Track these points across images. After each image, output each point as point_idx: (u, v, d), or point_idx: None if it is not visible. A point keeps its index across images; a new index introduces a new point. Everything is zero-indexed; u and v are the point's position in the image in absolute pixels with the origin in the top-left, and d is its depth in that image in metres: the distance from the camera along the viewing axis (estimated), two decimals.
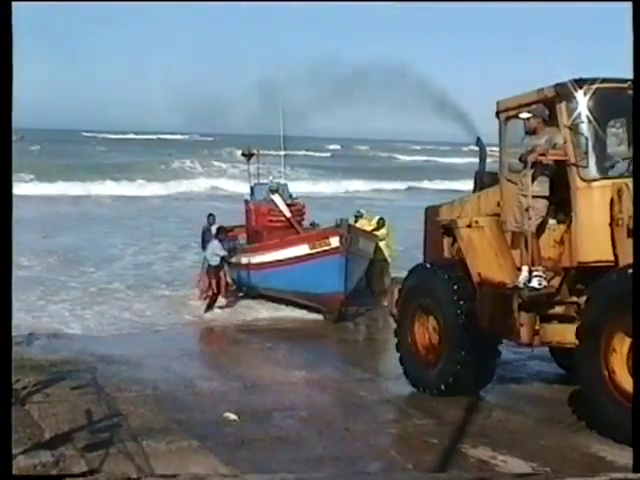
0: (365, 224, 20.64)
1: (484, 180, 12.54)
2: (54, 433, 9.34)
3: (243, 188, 27.33)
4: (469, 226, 11.31)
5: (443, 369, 11.32)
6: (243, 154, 22.77)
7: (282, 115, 23.30)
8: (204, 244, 20.31)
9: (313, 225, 21.81)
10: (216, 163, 70.24)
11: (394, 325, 12.78)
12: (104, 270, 23.77)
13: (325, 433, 9.81)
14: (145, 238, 30.55)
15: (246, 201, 22.08)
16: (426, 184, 66.48)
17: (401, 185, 65.27)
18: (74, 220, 36.12)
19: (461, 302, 11.12)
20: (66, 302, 18.95)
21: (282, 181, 22.53)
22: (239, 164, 51.52)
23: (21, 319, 15.36)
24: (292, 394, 11.97)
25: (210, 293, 19.04)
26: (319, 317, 18.45)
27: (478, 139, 12.92)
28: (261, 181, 22.67)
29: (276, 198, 20.77)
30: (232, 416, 10.34)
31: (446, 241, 12.53)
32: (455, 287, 11.25)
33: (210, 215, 21.22)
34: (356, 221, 20.45)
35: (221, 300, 19.29)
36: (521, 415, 10.74)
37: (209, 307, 18.78)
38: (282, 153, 24.75)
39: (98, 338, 15.73)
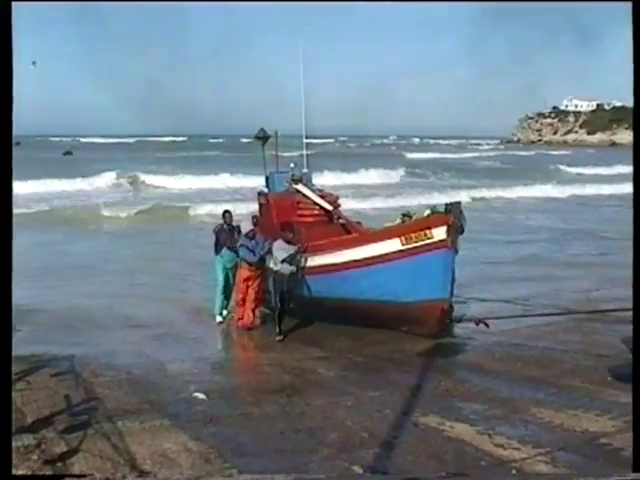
0: None
1: None
2: (35, 417, 9.76)
3: None
4: None
5: None
6: (257, 137, 18.29)
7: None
8: (218, 248, 16.69)
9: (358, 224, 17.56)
10: None
11: None
12: None
13: (287, 408, 10.39)
14: None
15: (261, 193, 18.23)
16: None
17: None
18: None
19: None
20: None
21: (304, 169, 18.44)
22: None
23: None
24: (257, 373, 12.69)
25: (250, 311, 15.86)
26: None
27: None
28: (280, 170, 18.39)
29: (303, 188, 17.29)
30: (201, 395, 10.90)
31: None
32: None
33: (226, 212, 17.17)
34: (403, 222, 16.02)
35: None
36: (467, 384, 11.50)
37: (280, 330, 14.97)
38: (305, 143, 19.12)
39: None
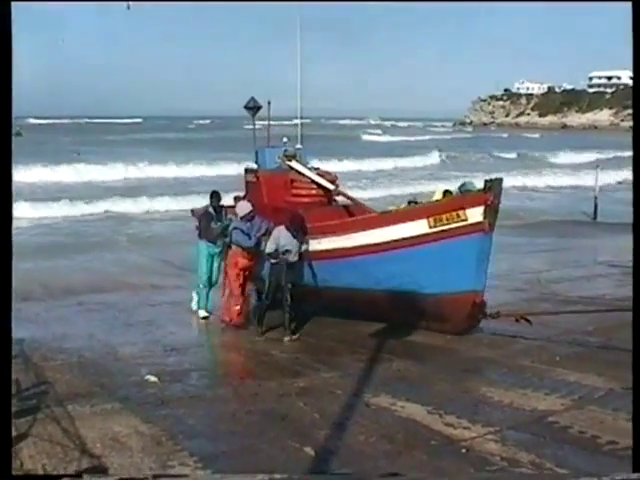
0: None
1: None
2: None
3: None
4: None
5: None
6: (247, 107, 16.03)
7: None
8: (202, 232, 15.01)
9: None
10: None
11: None
12: None
13: (239, 390, 10.39)
14: None
15: (249, 170, 16.17)
16: None
17: None
18: None
19: None
20: None
21: (298, 145, 16.44)
22: None
23: None
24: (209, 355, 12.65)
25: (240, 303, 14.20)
26: None
27: None
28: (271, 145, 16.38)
29: (297, 166, 15.45)
30: (152, 378, 10.82)
31: None
32: None
33: (214, 193, 15.21)
34: None
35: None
36: (418, 364, 11.56)
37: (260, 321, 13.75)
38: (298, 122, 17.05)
39: None
